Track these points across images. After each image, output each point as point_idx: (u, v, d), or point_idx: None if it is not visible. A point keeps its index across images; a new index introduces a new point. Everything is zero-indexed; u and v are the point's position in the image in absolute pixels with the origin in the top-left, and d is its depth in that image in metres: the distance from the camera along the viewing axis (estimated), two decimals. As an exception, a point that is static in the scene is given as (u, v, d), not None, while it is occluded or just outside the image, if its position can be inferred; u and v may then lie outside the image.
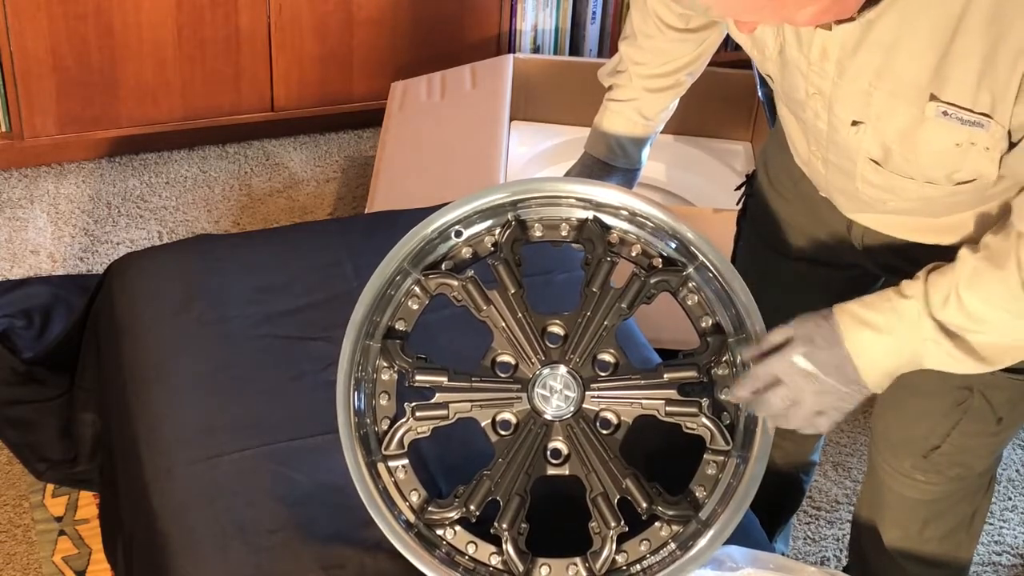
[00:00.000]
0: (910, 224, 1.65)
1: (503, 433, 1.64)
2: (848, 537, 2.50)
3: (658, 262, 1.63)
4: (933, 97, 1.40)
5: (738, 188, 2.00)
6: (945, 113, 1.40)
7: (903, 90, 1.42)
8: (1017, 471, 2.71)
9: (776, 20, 1.41)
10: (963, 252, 1.48)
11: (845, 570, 2.29)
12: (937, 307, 1.46)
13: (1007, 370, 1.66)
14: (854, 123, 1.49)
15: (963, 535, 1.89)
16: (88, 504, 2.43)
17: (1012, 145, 1.39)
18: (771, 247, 1.87)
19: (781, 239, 1.86)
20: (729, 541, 1.62)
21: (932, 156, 1.46)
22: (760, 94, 2.99)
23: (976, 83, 1.36)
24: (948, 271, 1.48)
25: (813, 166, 1.68)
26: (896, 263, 1.71)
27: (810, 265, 1.84)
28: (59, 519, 2.41)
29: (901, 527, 1.89)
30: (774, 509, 2.19)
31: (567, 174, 1.90)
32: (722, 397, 1.61)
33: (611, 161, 1.85)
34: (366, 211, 2.82)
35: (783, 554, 2.26)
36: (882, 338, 1.49)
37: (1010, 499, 2.65)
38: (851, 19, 1.41)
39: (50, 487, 2.46)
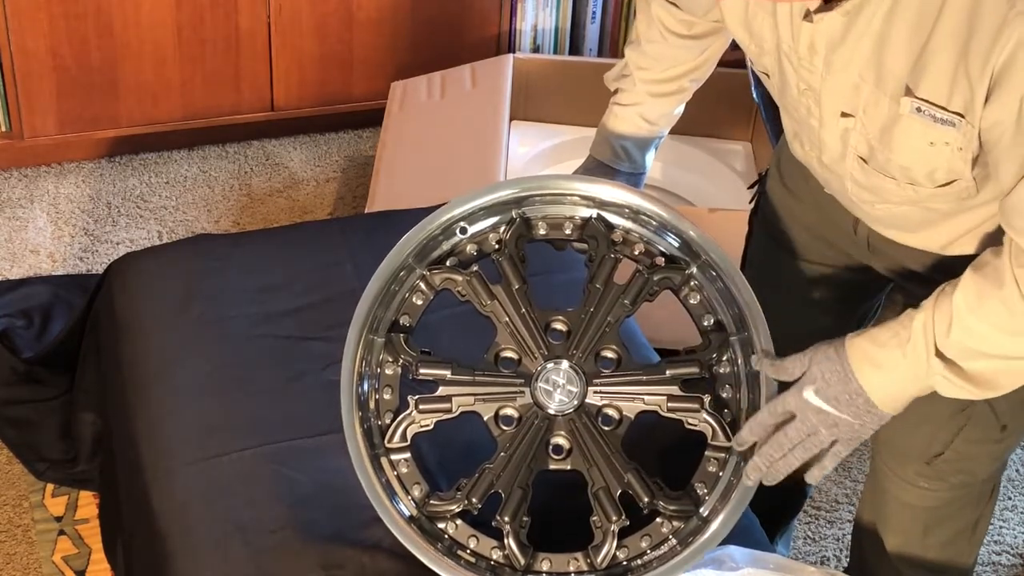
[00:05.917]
0: (909, 234, 1.65)
1: (505, 427, 1.64)
2: (848, 537, 2.50)
3: (661, 260, 1.64)
4: (909, 92, 1.40)
5: (751, 186, 2.00)
6: (919, 110, 1.39)
7: (885, 83, 1.42)
8: (1017, 471, 2.71)
9: None
10: (967, 274, 1.45)
11: (845, 570, 2.29)
12: (941, 337, 1.45)
13: None
14: (844, 115, 1.49)
15: (965, 543, 1.89)
16: (88, 504, 2.42)
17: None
18: (781, 246, 1.87)
19: (791, 238, 1.86)
20: (729, 541, 1.62)
21: (908, 154, 1.45)
22: (755, 95, 2.99)
23: (951, 80, 1.36)
24: (950, 296, 1.45)
25: (811, 164, 1.68)
26: (904, 267, 1.71)
27: (819, 266, 1.84)
28: (59, 519, 2.41)
29: (903, 533, 1.88)
30: (775, 512, 2.18)
31: None
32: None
33: (615, 164, 1.85)
34: (366, 211, 2.82)
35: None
36: (892, 375, 1.48)
37: (1010, 499, 2.65)
38: (830, 8, 1.40)
39: (50, 487, 2.46)
